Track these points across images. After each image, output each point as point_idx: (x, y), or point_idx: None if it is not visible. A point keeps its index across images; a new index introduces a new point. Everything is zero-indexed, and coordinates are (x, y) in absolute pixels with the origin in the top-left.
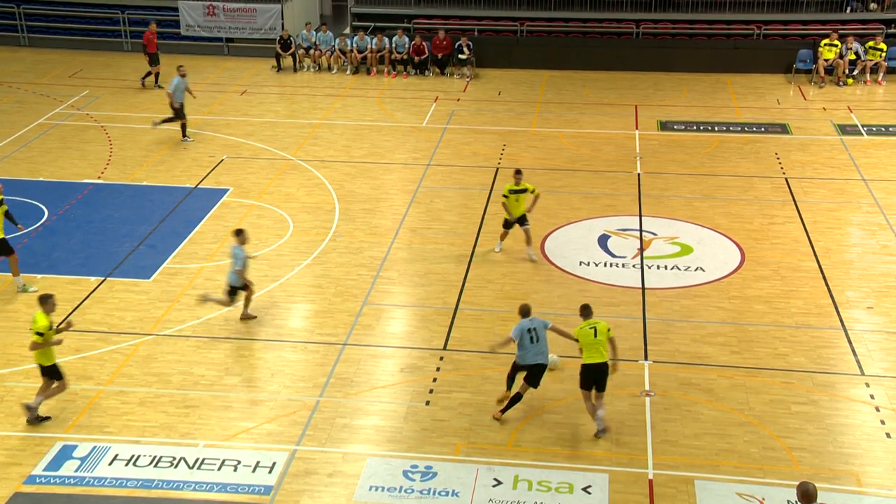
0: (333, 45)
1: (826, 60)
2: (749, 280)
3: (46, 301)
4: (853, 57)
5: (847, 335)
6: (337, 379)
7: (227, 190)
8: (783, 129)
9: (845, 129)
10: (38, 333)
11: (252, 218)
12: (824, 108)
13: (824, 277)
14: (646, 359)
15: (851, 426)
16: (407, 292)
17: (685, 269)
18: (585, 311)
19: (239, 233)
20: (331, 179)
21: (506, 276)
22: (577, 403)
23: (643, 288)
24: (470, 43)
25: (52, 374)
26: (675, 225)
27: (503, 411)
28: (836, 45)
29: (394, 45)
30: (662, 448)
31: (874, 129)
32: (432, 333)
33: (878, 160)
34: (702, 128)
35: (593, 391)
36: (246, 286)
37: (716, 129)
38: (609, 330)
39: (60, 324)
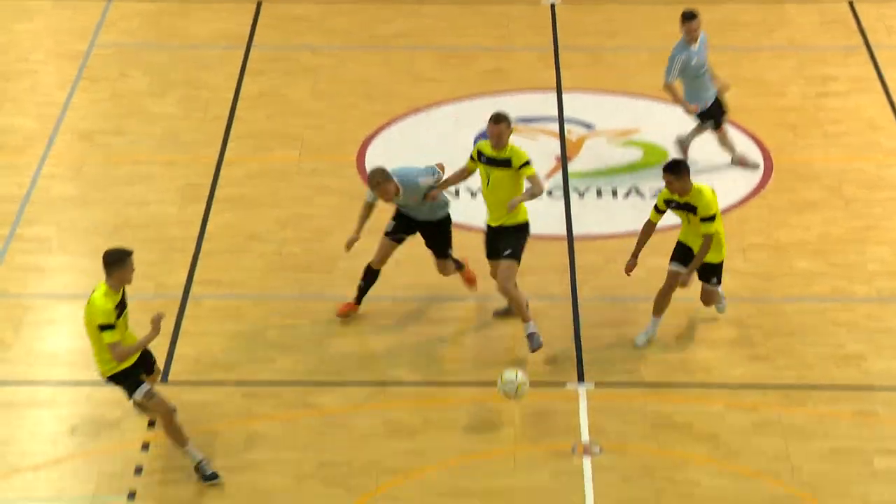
0: None
1: None
2: (781, 210)
3: (120, 262)
4: None
5: None
6: None
7: None
8: None
9: None
10: (105, 326)
11: None
12: None
13: None
14: (580, 380)
15: None
16: None
17: (654, 195)
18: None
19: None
20: None
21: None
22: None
23: (569, 237)
24: None
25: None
26: (632, 106)
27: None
28: None
29: None
30: None
31: None
32: None
33: None
34: None
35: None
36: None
37: None
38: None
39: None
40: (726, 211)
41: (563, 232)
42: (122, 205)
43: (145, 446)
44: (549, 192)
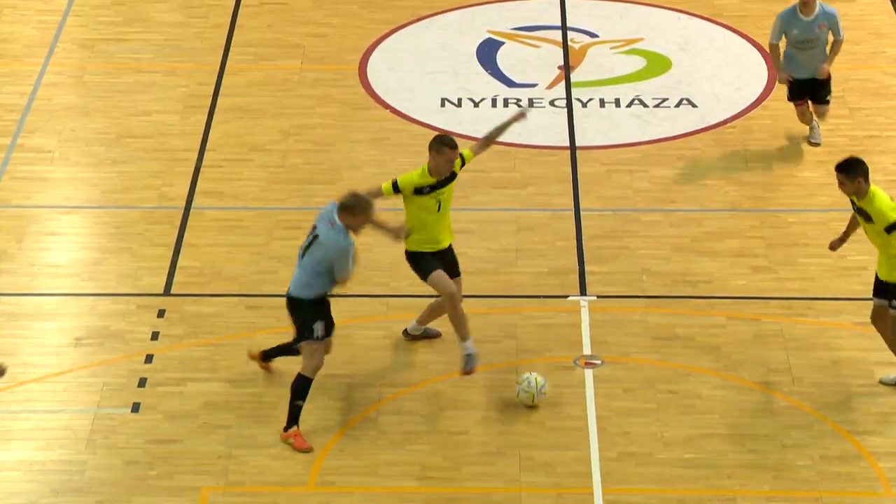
0: None
1: None
2: (784, 119)
3: None
4: None
5: None
6: None
7: None
8: None
9: None
10: None
11: None
12: None
13: None
14: (582, 292)
15: None
16: None
17: (657, 105)
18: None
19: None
20: None
21: None
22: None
23: (572, 147)
24: None
25: None
26: (636, 15)
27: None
28: None
29: None
30: (622, 471)
31: None
32: None
33: None
34: None
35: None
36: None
37: None
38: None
39: None
40: (729, 120)
41: (566, 142)
42: (123, 114)
43: (149, 358)
44: (552, 102)
